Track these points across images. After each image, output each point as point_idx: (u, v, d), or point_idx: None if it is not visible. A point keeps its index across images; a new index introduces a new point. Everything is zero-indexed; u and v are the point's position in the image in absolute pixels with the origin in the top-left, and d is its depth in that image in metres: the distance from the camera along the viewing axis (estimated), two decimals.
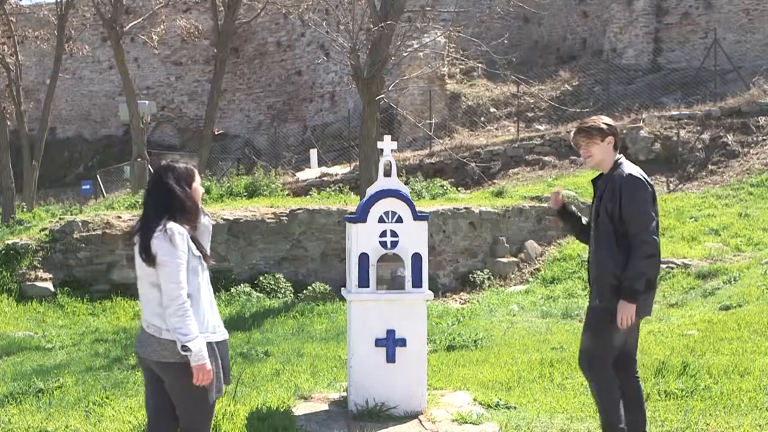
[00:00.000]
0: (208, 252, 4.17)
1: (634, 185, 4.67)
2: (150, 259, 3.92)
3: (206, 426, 4.12)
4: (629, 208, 4.63)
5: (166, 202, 3.99)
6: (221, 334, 4.10)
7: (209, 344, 3.96)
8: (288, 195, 18.12)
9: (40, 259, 12.02)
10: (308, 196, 17.72)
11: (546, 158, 20.02)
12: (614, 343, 4.70)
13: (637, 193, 4.65)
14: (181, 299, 3.85)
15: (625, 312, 4.57)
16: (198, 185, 4.13)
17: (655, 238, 4.60)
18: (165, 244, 3.88)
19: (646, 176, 4.75)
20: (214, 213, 12.60)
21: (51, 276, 11.92)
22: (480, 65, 23.86)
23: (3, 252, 11.95)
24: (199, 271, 4.00)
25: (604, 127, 4.82)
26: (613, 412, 4.71)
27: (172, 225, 3.91)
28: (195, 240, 4.02)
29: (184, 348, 3.85)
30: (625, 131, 19.34)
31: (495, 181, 19.77)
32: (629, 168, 4.75)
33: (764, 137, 18.08)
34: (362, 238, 5.86)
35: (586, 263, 5.06)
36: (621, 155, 4.88)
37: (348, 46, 12.90)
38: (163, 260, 3.89)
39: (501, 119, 24.09)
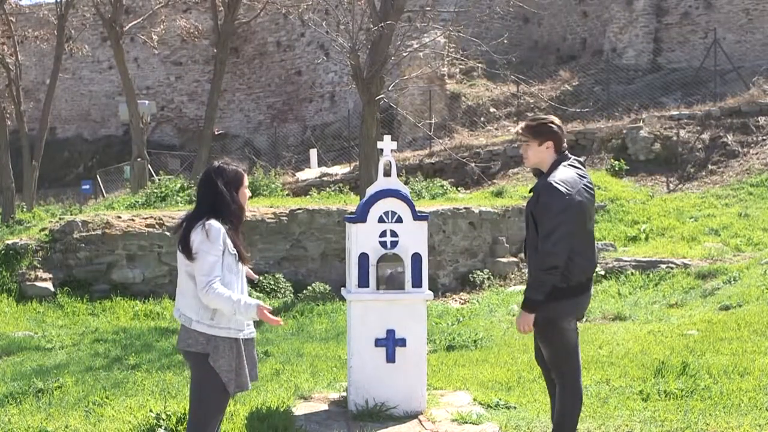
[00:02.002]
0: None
1: (550, 193, 4.51)
2: (187, 250, 4.09)
3: (211, 421, 4.19)
4: (541, 216, 4.55)
5: (212, 203, 4.17)
6: (249, 332, 4.25)
7: (236, 341, 4.13)
8: (288, 195, 18.12)
9: (40, 259, 12.02)
10: (308, 196, 17.72)
11: None
12: (571, 344, 4.71)
13: (551, 203, 4.50)
14: (210, 285, 4.01)
15: (521, 321, 4.63)
16: (245, 189, 4.31)
17: (558, 249, 4.46)
18: (201, 238, 4.06)
19: (572, 185, 4.55)
20: None
21: (51, 276, 11.92)
22: (480, 65, 23.84)
23: (3, 252, 11.94)
24: (233, 268, 4.16)
25: (545, 130, 4.71)
26: (570, 421, 4.74)
27: (211, 221, 4.09)
28: (234, 239, 4.16)
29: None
30: (625, 131, 19.34)
31: (495, 181, 19.77)
32: (558, 174, 4.58)
33: (764, 137, 18.07)
34: (362, 238, 5.87)
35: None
36: (567, 159, 4.72)
37: (348, 46, 12.90)
38: (197, 253, 4.06)
39: (501, 119, 24.07)
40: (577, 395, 4.75)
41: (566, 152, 4.76)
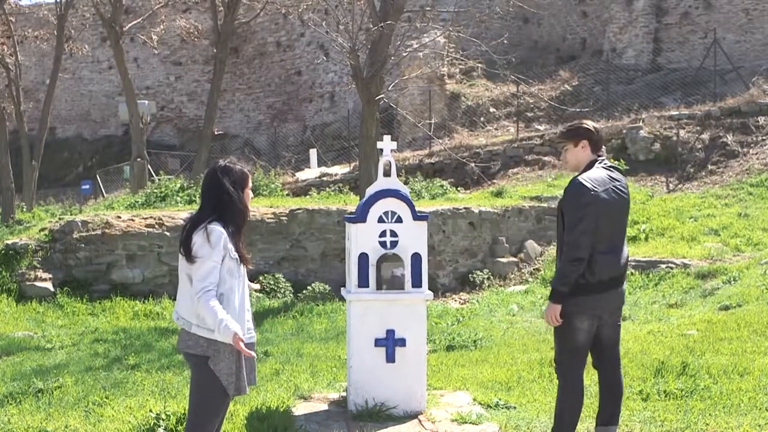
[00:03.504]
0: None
1: (575, 189, 4.77)
2: (187, 252, 4.05)
3: (208, 423, 4.18)
4: (567, 209, 4.78)
5: (217, 203, 4.13)
6: (249, 337, 4.20)
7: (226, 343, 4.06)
8: (287, 195, 18.12)
9: (39, 259, 12.01)
10: (308, 196, 17.72)
11: (545, 158, 20.02)
12: (578, 344, 4.81)
13: (576, 198, 4.75)
14: (204, 292, 3.97)
15: (548, 312, 4.79)
16: (249, 190, 4.27)
17: (582, 242, 4.66)
18: (202, 241, 4.02)
19: (600, 184, 4.75)
20: None
21: (51, 276, 11.92)
22: (480, 65, 23.85)
23: (3, 252, 11.94)
24: (234, 272, 4.10)
25: (580, 130, 4.93)
26: (569, 418, 4.84)
27: (214, 225, 4.04)
28: (236, 242, 4.12)
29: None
30: (624, 131, 19.34)
31: (494, 181, 19.77)
32: (588, 173, 4.81)
33: (764, 137, 18.07)
34: (362, 238, 5.87)
35: None
36: (600, 159, 4.91)
37: (348, 46, 12.90)
38: (197, 257, 4.02)
39: (501, 119, 24.07)
40: (576, 394, 4.83)
41: (602, 155, 4.93)
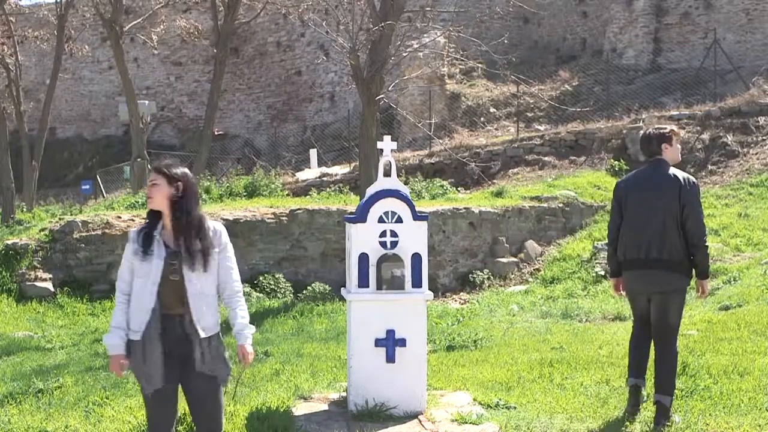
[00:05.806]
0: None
1: None
2: None
3: (150, 419, 4.32)
4: None
5: None
6: (135, 335, 4.16)
7: (132, 342, 4.19)
8: (288, 195, 18.11)
9: (39, 259, 12.02)
10: (308, 196, 17.71)
11: (546, 158, 20.01)
12: (632, 311, 5.78)
13: None
14: (117, 295, 4.25)
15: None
16: (151, 180, 4.17)
17: (609, 227, 5.79)
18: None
19: (627, 179, 5.74)
20: (213, 213, 12.60)
21: (51, 276, 11.92)
22: (480, 65, 23.80)
23: (3, 252, 11.94)
24: (137, 271, 4.15)
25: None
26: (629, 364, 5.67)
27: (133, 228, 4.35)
28: (147, 239, 4.14)
29: None
30: (625, 131, 19.35)
31: (495, 181, 19.76)
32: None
33: (764, 137, 18.07)
34: (362, 238, 5.86)
35: None
36: (648, 161, 5.67)
37: (348, 46, 12.90)
38: None
39: (501, 119, 24.07)
40: (632, 339, 5.66)
41: (655, 157, 5.59)
